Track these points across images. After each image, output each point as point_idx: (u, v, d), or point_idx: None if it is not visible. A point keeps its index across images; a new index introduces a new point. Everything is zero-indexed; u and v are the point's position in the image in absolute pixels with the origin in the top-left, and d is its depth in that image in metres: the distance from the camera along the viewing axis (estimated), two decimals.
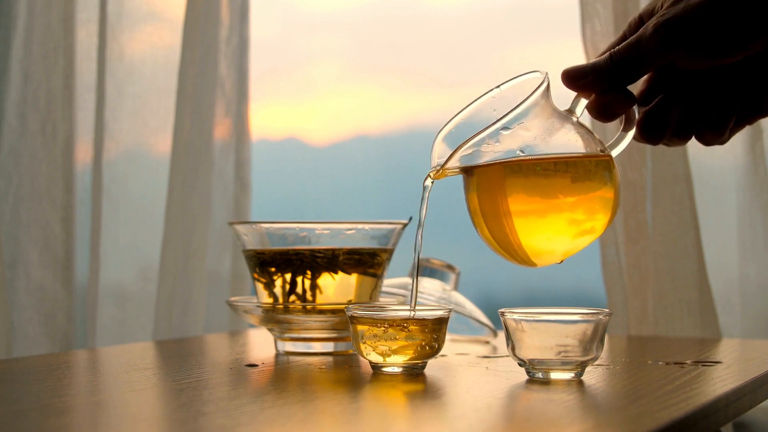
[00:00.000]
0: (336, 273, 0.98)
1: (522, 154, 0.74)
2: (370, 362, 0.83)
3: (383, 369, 0.82)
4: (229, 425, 0.61)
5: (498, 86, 0.79)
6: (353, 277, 0.99)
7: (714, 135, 0.75)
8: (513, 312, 0.79)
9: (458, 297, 1.14)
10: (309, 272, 0.97)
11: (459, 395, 0.74)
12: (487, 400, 0.71)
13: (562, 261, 0.77)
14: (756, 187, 1.25)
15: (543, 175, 0.74)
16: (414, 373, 0.82)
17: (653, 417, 0.62)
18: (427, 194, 0.78)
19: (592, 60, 0.74)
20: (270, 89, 1.76)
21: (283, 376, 0.84)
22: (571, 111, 0.76)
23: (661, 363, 0.88)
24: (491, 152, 0.74)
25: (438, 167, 0.76)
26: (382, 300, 1.05)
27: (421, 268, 1.16)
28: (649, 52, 0.71)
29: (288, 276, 0.98)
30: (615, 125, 0.80)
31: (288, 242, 0.98)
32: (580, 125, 0.76)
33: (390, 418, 0.67)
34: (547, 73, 0.75)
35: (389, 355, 0.81)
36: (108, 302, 1.39)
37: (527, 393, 0.73)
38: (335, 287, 0.98)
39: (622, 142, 0.76)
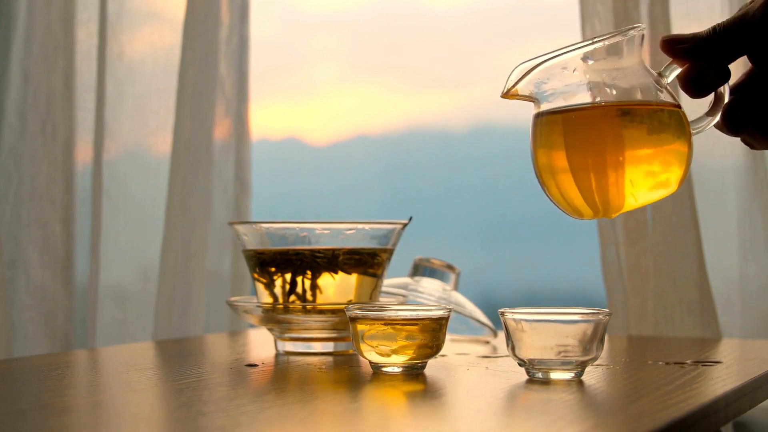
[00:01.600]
0: (336, 273, 0.98)
1: (598, 98, 0.71)
2: (370, 362, 0.83)
3: (383, 369, 0.82)
4: (229, 425, 0.61)
5: (593, 39, 0.76)
6: (353, 277, 0.99)
7: None
8: (513, 312, 0.79)
9: (458, 297, 1.14)
10: (309, 272, 0.97)
11: (459, 395, 0.74)
12: (487, 400, 0.71)
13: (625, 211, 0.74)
14: (756, 187, 1.25)
15: (620, 123, 0.71)
16: (414, 373, 0.82)
17: (653, 417, 0.62)
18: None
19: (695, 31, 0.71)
20: (270, 89, 1.76)
21: (283, 376, 0.84)
22: (660, 74, 0.73)
23: (661, 363, 0.88)
24: (566, 85, 0.71)
25: (508, 88, 0.73)
26: (382, 300, 1.05)
27: (421, 268, 1.16)
28: (754, 25, 0.68)
29: (288, 276, 0.98)
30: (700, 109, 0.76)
31: (288, 242, 0.98)
32: (663, 85, 0.73)
33: (390, 418, 0.67)
34: (644, 26, 0.73)
35: (389, 355, 0.81)
36: (108, 302, 1.39)
37: (527, 393, 0.73)
38: (335, 287, 0.98)
39: (703, 124, 0.72)
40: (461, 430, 0.61)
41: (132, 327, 1.40)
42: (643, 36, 0.72)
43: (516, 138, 1.79)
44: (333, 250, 0.98)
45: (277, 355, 0.97)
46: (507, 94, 0.74)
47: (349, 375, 0.83)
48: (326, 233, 0.98)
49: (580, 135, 0.72)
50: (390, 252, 1.01)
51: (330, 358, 0.94)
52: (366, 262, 0.99)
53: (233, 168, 1.44)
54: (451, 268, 1.16)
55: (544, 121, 0.73)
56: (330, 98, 1.86)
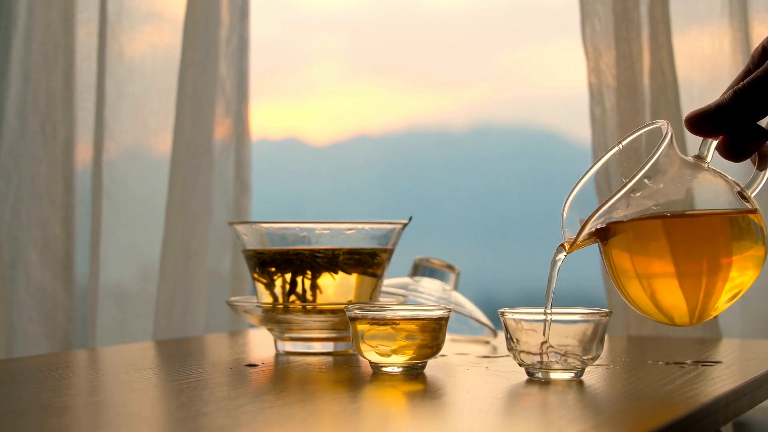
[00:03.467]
0: (336, 273, 0.98)
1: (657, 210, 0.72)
2: (370, 362, 0.83)
3: (383, 369, 0.82)
4: (229, 425, 0.61)
5: (619, 143, 0.77)
6: (353, 277, 0.99)
7: None
8: (513, 312, 0.79)
9: (458, 297, 1.14)
10: (309, 272, 0.97)
11: (459, 395, 0.74)
12: (487, 400, 0.71)
13: (714, 317, 0.75)
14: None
15: (691, 234, 0.72)
16: (414, 373, 0.82)
17: (653, 417, 0.62)
18: (557, 270, 0.76)
19: (715, 100, 0.71)
20: (270, 89, 1.76)
21: (283, 376, 0.84)
22: (699, 157, 0.73)
23: (661, 363, 0.88)
24: (624, 217, 0.72)
25: (571, 240, 0.74)
26: (382, 300, 1.05)
27: (421, 268, 1.16)
28: None
29: (288, 276, 0.98)
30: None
31: (288, 242, 0.98)
32: (713, 172, 0.73)
33: (390, 418, 0.67)
34: (668, 123, 0.72)
35: (389, 355, 0.81)
36: (108, 302, 1.39)
37: (527, 393, 0.73)
38: (335, 287, 0.98)
39: (758, 181, 0.73)
40: (461, 430, 0.61)
41: (132, 327, 1.40)
42: (671, 133, 0.72)
43: (516, 138, 1.79)
44: (333, 250, 0.98)
45: (277, 355, 0.97)
46: (573, 248, 0.75)
47: (349, 375, 0.83)
48: (326, 233, 0.98)
49: (689, 241, 0.72)
50: (390, 252, 1.01)
51: (330, 358, 0.94)
52: (366, 262, 0.99)
53: (233, 168, 1.44)
54: (451, 268, 1.16)
55: (637, 226, 0.73)
56: (330, 98, 1.86)
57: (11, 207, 1.38)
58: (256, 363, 0.90)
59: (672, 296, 0.72)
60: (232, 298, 1.05)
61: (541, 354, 0.76)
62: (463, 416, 0.66)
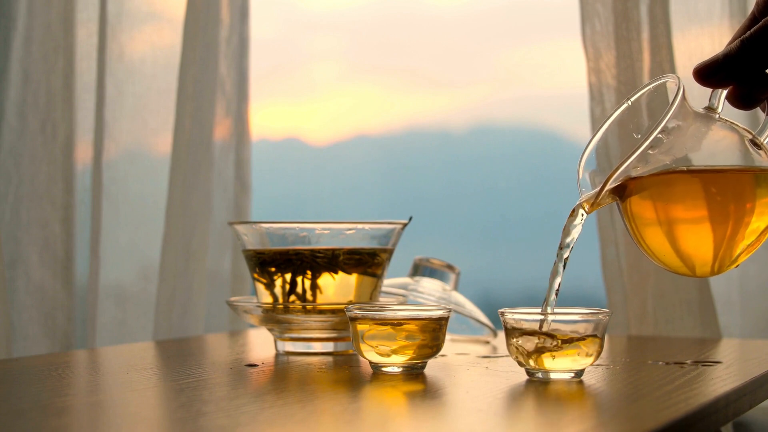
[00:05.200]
0: (336, 273, 0.98)
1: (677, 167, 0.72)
2: (370, 362, 0.83)
3: (383, 369, 0.82)
4: (229, 425, 0.61)
5: (628, 99, 0.78)
6: (353, 277, 0.99)
7: None
8: (513, 312, 0.79)
9: (458, 297, 1.14)
10: (309, 272, 0.97)
11: (459, 395, 0.74)
12: (487, 400, 0.71)
13: (736, 266, 0.75)
14: None
15: (753, 183, 0.72)
16: (414, 373, 0.82)
17: (653, 417, 0.62)
18: (578, 229, 0.76)
19: (722, 50, 0.71)
20: (270, 89, 1.76)
21: (283, 376, 0.84)
22: (710, 108, 0.74)
23: (661, 363, 0.88)
24: (644, 173, 0.73)
25: (590, 200, 0.75)
26: (382, 300, 1.05)
27: (421, 268, 1.16)
28: None
29: (288, 276, 0.98)
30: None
31: (288, 242, 0.98)
32: (724, 122, 0.74)
33: (390, 418, 0.67)
34: (679, 78, 0.73)
35: (389, 355, 0.81)
36: (108, 302, 1.39)
37: (527, 393, 0.73)
38: (335, 287, 0.98)
39: None
40: (461, 430, 0.61)
41: (132, 327, 1.40)
42: (683, 87, 0.73)
43: (516, 138, 1.79)
44: (333, 250, 0.98)
45: (277, 355, 0.97)
46: (593, 208, 0.75)
47: (349, 375, 0.83)
48: (326, 233, 0.98)
49: (719, 193, 0.72)
50: (390, 252, 1.01)
51: (330, 358, 0.94)
52: (366, 262, 0.99)
53: (233, 168, 1.44)
54: (451, 268, 1.16)
55: (659, 181, 0.73)
56: (330, 98, 1.86)
57: (11, 207, 1.38)
58: (256, 363, 0.90)
59: (695, 243, 0.73)
60: (232, 298, 1.05)
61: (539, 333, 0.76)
62: (463, 416, 0.66)
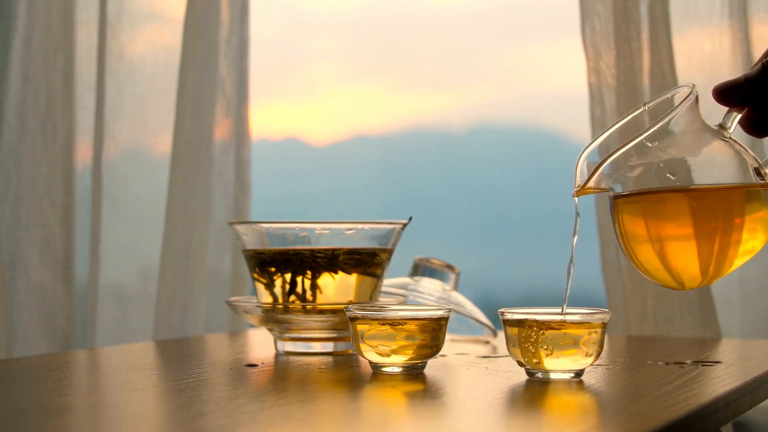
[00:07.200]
0: (336, 273, 0.98)
1: (672, 178, 0.72)
2: (370, 362, 0.83)
3: (383, 369, 0.82)
4: (229, 425, 0.61)
5: (645, 104, 0.78)
6: (353, 277, 0.99)
7: None
8: (513, 312, 0.79)
9: (458, 297, 1.14)
10: (309, 272, 0.97)
11: (459, 395, 0.74)
12: (487, 400, 0.71)
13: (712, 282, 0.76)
14: None
15: (699, 204, 0.72)
16: (414, 373, 0.82)
17: (653, 417, 0.62)
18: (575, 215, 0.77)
19: (744, 73, 0.72)
20: (270, 89, 1.76)
21: (283, 376, 0.84)
22: (722, 126, 0.74)
23: (661, 363, 0.88)
24: (638, 169, 0.73)
25: (580, 186, 0.75)
26: (382, 300, 1.05)
27: (421, 268, 1.16)
28: None
29: (288, 276, 0.98)
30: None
31: (288, 242, 0.98)
32: (733, 142, 0.74)
33: (390, 418, 0.67)
34: (694, 86, 0.73)
35: (389, 355, 0.81)
36: (108, 302, 1.39)
37: (527, 393, 0.73)
38: (335, 287, 0.98)
39: None
40: (461, 430, 0.61)
41: (132, 327, 1.40)
42: (696, 95, 0.73)
43: (516, 138, 1.79)
44: (333, 250, 0.98)
45: (277, 355, 0.97)
46: (581, 192, 0.75)
47: (349, 375, 0.83)
48: (326, 233, 0.98)
49: (704, 208, 0.72)
50: (390, 252, 1.01)
51: (330, 358, 0.94)
52: (366, 262, 0.99)
53: (233, 168, 1.44)
54: (451, 268, 1.16)
55: (653, 199, 0.73)
56: (330, 98, 1.86)
57: (11, 207, 1.38)
58: (256, 363, 0.90)
59: (683, 259, 0.73)
60: (232, 298, 1.05)
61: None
62: (463, 416, 0.66)
